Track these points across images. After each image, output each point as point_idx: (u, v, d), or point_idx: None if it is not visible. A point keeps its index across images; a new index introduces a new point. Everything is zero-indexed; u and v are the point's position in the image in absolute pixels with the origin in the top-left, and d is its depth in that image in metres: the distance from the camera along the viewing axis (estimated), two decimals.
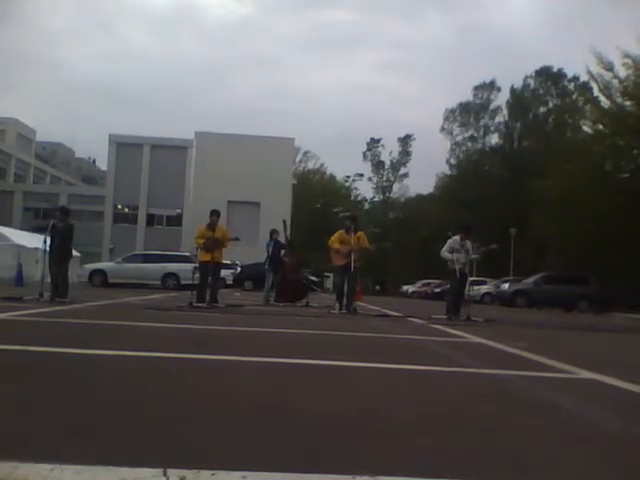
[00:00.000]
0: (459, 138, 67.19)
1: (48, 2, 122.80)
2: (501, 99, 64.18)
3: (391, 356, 5.24)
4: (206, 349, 4.96)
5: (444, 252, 12.07)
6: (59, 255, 11.46)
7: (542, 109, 60.89)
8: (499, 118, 63.74)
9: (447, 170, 69.09)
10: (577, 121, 42.76)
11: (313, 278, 31.38)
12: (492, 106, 64.65)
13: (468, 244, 12.07)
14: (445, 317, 11.46)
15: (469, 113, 66.05)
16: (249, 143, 51.77)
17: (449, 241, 12.13)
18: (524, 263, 40.93)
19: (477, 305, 19.86)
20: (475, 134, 65.85)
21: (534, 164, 46.59)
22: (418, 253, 61.40)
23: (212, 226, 12.24)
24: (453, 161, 67.98)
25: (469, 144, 66.52)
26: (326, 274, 38.99)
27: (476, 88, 65.43)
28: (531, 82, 61.34)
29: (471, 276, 12.60)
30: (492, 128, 64.78)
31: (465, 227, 12.69)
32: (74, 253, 13.62)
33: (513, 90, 61.76)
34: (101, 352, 4.35)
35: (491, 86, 64.70)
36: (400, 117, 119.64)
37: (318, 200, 77.34)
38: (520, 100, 61.13)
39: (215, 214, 12.41)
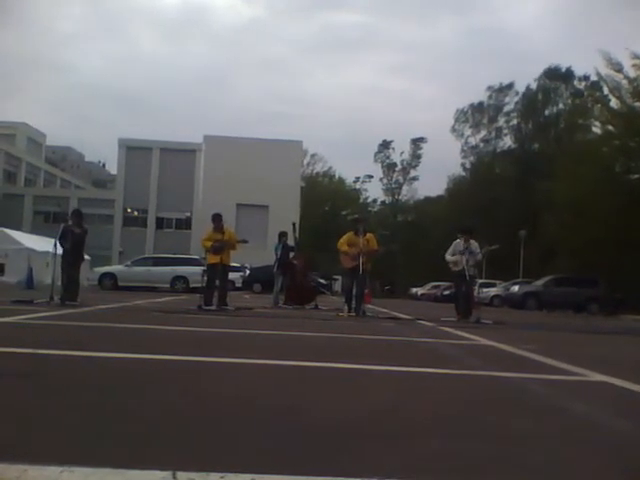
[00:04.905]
0: (471, 140, 66.99)
1: (57, 6, 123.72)
2: (513, 101, 63.98)
3: (400, 359, 5.23)
4: (215, 352, 4.96)
5: (447, 255, 12.12)
6: (71, 258, 11.45)
7: (553, 110, 60.60)
8: (513, 120, 63.42)
9: (458, 172, 69.00)
10: (587, 122, 42.54)
11: (322, 281, 31.34)
12: (506, 108, 64.31)
13: (473, 245, 12.02)
14: (454, 319, 11.43)
15: (481, 114, 65.66)
16: (257, 146, 51.81)
17: (453, 244, 12.14)
18: (533, 265, 40.75)
19: (487, 307, 19.77)
20: (488, 136, 65.54)
21: (544, 166, 46.42)
22: (427, 255, 61.20)
23: (218, 229, 12.21)
24: (465, 163, 67.86)
25: (481, 145, 66.26)
26: (335, 277, 38.94)
27: (489, 89, 65.05)
28: (542, 83, 61.01)
29: (480, 278, 12.55)
30: (505, 130, 64.44)
31: (466, 229, 12.63)
32: (85, 257, 13.66)
33: (524, 91, 61.59)
34: (111, 355, 4.37)
35: (507, 88, 64.22)
36: (409, 120, 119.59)
37: (326, 203, 77.35)
38: (531, 101, 60.86)
39: (216, 218, 12.31)
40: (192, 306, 11.50)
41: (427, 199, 78.54)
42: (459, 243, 12.01)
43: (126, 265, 28.10)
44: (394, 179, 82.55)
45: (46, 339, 5.44)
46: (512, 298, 28.45)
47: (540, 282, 28.58)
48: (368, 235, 12.17)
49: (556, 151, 46.01)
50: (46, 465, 1.76)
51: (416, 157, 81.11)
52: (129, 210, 54.79)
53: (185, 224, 53.68)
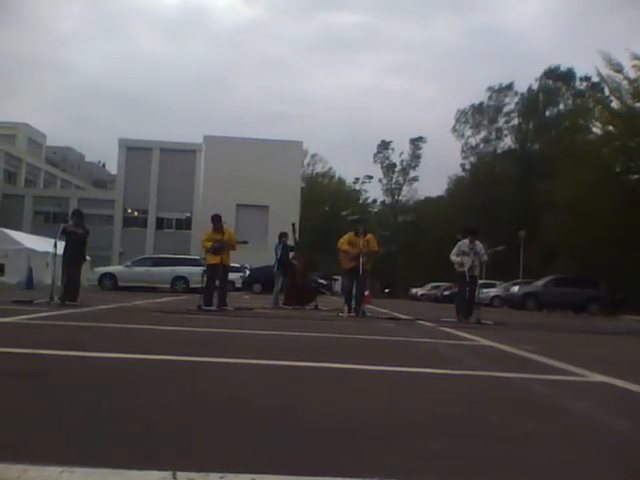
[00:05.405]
0: (471, 140, 66.97)
1: (57, 6, 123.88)
2: (513, 101, 63.95)
3: (401, 359, 5.22)
4: (214, 352, 4.96)
5: (452, 256, 12.09)
6: (72, 258, 11.43)
7: (553, 110, 60.58)
8: (513, 121, 63.41)
9: (458, 172, 69.00)
10: (588, 122, 42.52)
11: (322, 281, 31.32)
12: (506, 109, 64.27)
13: (479, 246, 12.03)
14: (455, 320, 11.43)
15: (482, 115, 65.62)
16: (257, 146, 51.84)
17: (458, 244, 12.13)
18: (534, 266, 40.73)
19: (487, 308, 19.77)
20: (488, 136, 65.49)
21: (545, 166, 46.40)
22: (427, 256, 61.22)
23: (218, 229, 12.19)
24: (465, 163, 67.87)
25: (481, 146, 66.24)
26: (335, 277, 38.92)
27: (489, 90, 64.99)
28: (543, 83, 60.99)
29: (481, 279, 12.53)
30: (505, 131, 64.40)
31: (471, 230, 12.63)
32: (86, 257, 13.63)
33: (525, 92, 61.58)
34: (110, 355, 4.36)
35: (507, 88, 64.14)
36: (409, 120, 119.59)
37: (326, 203, 77.35)
38: (532, 102, 60.83)
39: (216, 219, 12.26)
40: (192, 306, 11.49)
41: (427, 199, 78.54)
42: (464, 244, 12.00)
43: (126, 265, 28.09)
44: (394, 179, 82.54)
45: (46, 339, 5.44)
46: (512, 298, 28.44)
47: (540, 282, 28.56)
48: (368, 236, 12.16)
49: (556, 151, 45.92)
50: (46, 465, 1.76)
51: (416, 157, 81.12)
52: (129, 210, 54.83)
53: (185, 224, 53.70)
